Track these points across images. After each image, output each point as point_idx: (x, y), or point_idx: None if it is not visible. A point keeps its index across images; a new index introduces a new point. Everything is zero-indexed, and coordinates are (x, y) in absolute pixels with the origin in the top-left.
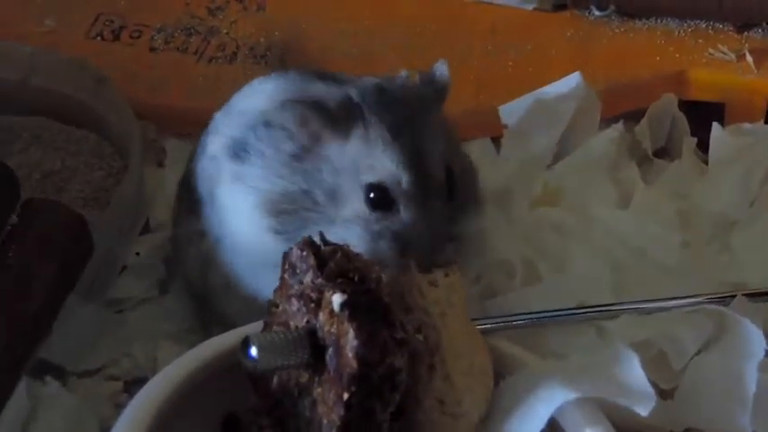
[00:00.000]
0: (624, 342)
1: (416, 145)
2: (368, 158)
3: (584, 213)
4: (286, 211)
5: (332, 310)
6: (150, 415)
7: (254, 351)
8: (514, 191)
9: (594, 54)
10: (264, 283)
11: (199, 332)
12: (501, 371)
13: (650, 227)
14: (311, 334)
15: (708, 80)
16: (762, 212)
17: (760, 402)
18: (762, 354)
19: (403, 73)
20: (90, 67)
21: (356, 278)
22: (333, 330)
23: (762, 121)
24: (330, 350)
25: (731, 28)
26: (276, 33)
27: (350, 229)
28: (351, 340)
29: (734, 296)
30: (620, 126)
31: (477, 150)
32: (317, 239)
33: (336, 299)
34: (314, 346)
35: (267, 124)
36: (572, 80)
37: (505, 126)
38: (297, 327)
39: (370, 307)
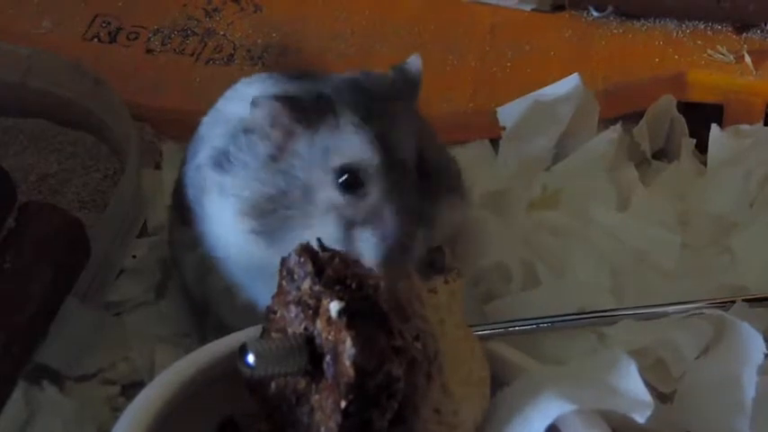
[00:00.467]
0: (624, 348)
1: (386, 130)
2: (337, 144)
3: (582, 215)
4: (266, 212)
5: (329, 318)
6: (148, 419)
7: (251, 358)
8: (513, 193)
9: (593, 55)
10: (255, 289)
11: (196, 336)
12: (500, 377)
13: (649, 229)
14: (309, 341)
15: (706, 81)
16: (761, 214)
17: (759, 407)
18: (761, 359)
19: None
20: (87, 69)
21: (354, 285)
22: (330, 338)
23: (761, 123)
24: (328, 357)
25: (730, 29)
26: (273, 35)
27: (325, 219)
28: (348, 348)
29: (733, 302)
30: (618, 127)
31: (476, 152)
32: (314, 244)
33: (334, 306)
34: (312, 353)
35: (247, 131)
36: (570, 82)
37: (503, 128)
38: (295, 333)
39: (367, 314)
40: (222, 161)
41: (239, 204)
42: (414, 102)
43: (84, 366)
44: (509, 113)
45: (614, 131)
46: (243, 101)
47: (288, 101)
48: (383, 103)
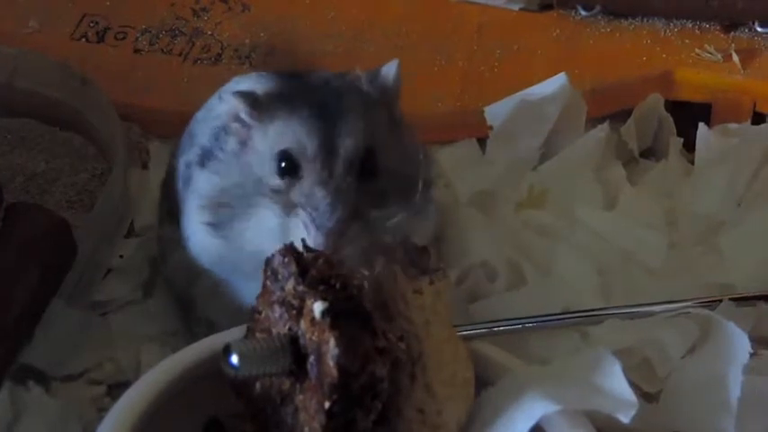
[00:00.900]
0: (609, 347)
1: (332, 123)
2: (282, 131)
3: (569, 215)
4: (220, 204)
5: (313, 318)
6: (133, 419)
7: (234, 359)
8: (500, 192)
9: (581, 54)
10: (232, 284)
11: (183, 335)
12: (484, 377)
13: (636, 228)
14: (293, 341)
15: (694, 80)
16: (749, 213)
17: (745, 407)
18: (746, 358)
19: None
20: (74, 69)
21: (338, 285)
22: (314, 338)
23: (748, 122)
24: (311, 358)
25: (718, 28)
26: (261, 34)
27: (266, 205)
28: (332, 349)
29: (720, 301)
30: (605, 126)
31: (463, 152)
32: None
33: (317, 306)
34: (296, 354)
35: (225, 130)
36: (557, 81)
37: (491, 127)
38: (279, 334)
39: (351, 315)
40: (205, 159)
41: (199, 198)
42: (388, 105)
43: (70, 366)
44: (496, 113)
45: (602, 130)
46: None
47: (245, 96)
48: (340, 101)
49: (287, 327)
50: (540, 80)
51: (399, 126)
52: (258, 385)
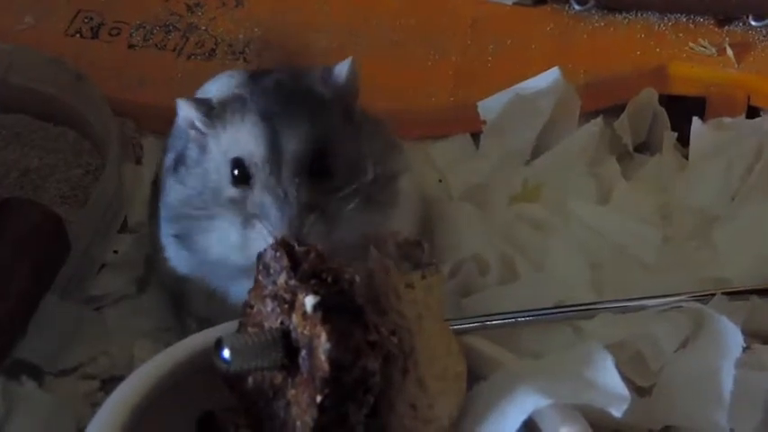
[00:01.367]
0: (602, 341)
1: (281, 126)
2: (233, 139)
3: (563, 209)
4: (183, 216)
5: (305, 312)
6: (126, 413)
7: (226, 353)
8: (494, 187)
9: (575, 49)
10: (212, 285)
11: (176, 330)
12: (476, 371)
13: (630, 222)
14: (285, 335)
15: (688, 74)
16: (743, 207)
17: (737, 400)
18: (739, 351)
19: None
20: (68, 65)
21: (330, 279)
22: (306, 332)
23: (742, 116)
24: (303, 352)
25: (712, 22)
26: (255, 29)
27: (225, 217)
28: (323, 343)
29: (713, 295)
30: (599, 121)
31: (457, 146)
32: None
33: (309, 300)
34: (288, 348)
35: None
36: (551, 75)
37: (485, 122)
38: (271, 328)
39: (343, 309)
40: (179, 165)
41: (165, 209)
42: (343, 104)
43: (64, 361)
44: (490, 107)
45: (595, 125)
46: None
47: (196, 103)
48: (287, 105)
49: (279, 321)
50: (533, 74)
51: (356, 122)
52: (250, 379)
